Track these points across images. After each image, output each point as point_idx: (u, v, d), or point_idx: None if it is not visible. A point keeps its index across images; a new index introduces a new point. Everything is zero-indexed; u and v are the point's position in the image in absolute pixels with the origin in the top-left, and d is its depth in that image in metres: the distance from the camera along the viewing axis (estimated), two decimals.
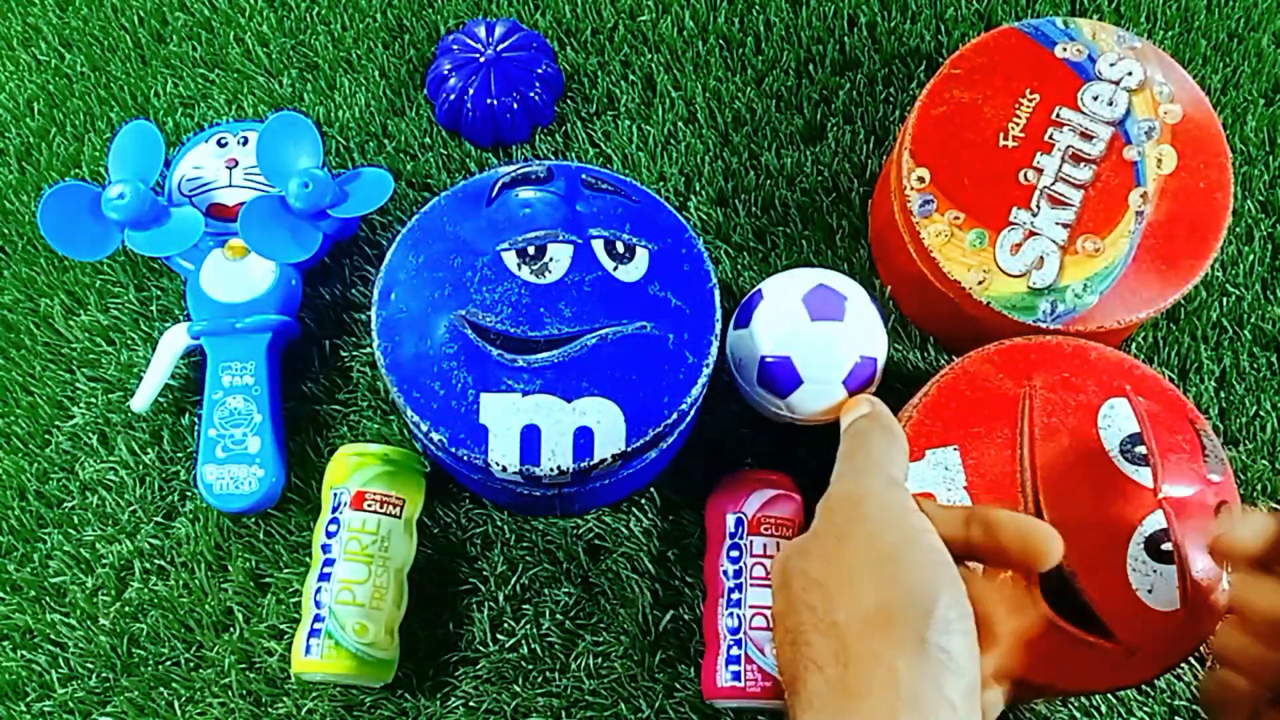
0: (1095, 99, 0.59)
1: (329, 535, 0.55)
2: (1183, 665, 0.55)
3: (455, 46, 0.67)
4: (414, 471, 0.57)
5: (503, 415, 0.50)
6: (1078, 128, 0.58)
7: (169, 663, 0.57)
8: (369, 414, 0.62)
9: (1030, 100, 0.59)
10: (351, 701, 0.56)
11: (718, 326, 0.53)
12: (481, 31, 0.67)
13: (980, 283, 0.56)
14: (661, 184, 0.67)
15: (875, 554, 0.37)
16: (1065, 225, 0.56)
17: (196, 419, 0.61)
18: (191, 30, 0.72)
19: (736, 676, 0.52)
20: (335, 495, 0.56)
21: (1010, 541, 0.39)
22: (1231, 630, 0.42)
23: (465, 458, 0.50)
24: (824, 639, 0.36)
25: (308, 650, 0.52)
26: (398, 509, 0.56)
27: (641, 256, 0.54)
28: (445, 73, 0.66)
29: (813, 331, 0.54)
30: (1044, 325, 0.55)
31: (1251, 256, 0.64)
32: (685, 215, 0.64)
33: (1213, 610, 0.48)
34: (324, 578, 0.54)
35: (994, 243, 0.56)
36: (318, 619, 0.53)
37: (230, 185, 0.64)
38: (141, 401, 0.59)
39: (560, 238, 0.54)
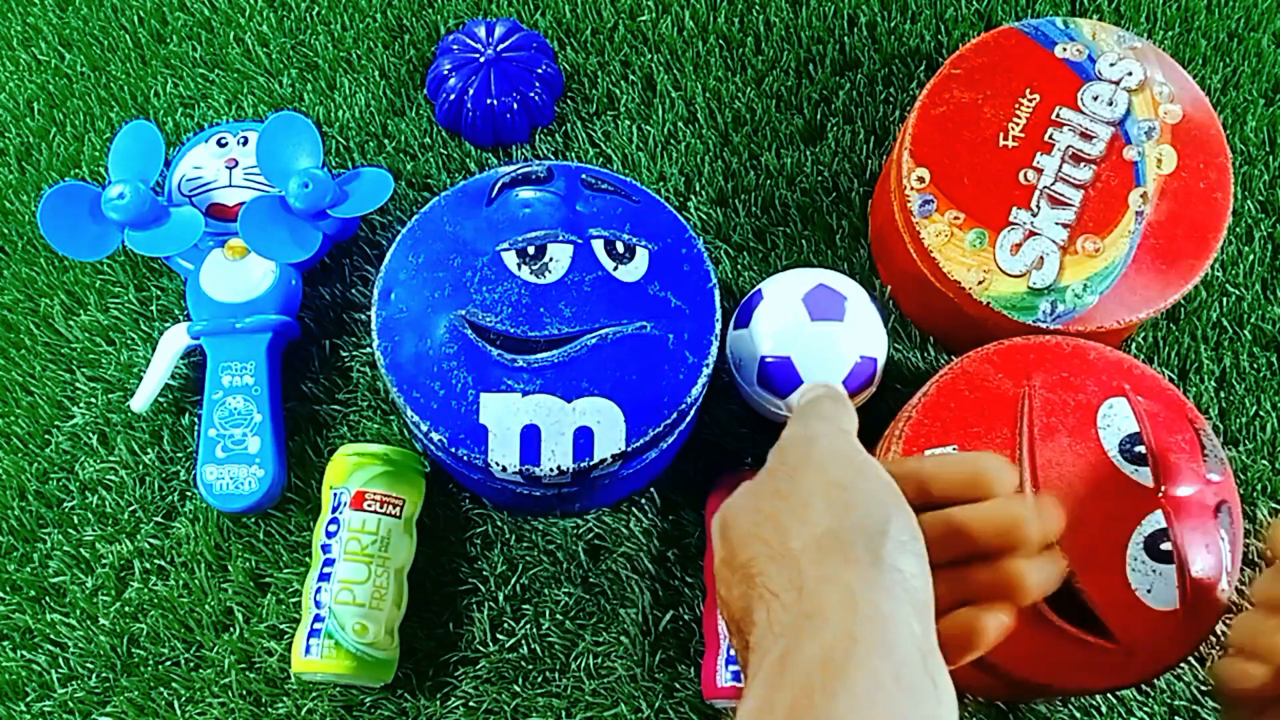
0: (1095, 99, 0.59)
1: (329, 535, 0.55)
2: (1182, 665, 0.55)
3: (455, 46, 0.67)
4: (414, 471, 0.57)
5: (503, 415, 0.50)
6: (1078, 128, 0.58)
7: (169, 663, 0.57)
8: (369, 414, 0.62)
9: (1030, 100, 0.59)
10: (351, 701, 0.56)
11: (718, 326, 0.53)
12: (481, 31, 0.67)
13: (980, 283, 0.56)
14: (661, 184, 0.67)
15: (826, 484, 0.37)
16: (1065, 225, 0.56)
17: (196, 419, 0.61)
18: (191, 30, 0.72)
19: (736, 676, 0.52)
20: (335, 495, 0.56)
21: (955, 474, 0.39)
22: (1252, 618, 0.43)
23: (465, 458, 0.50)
24: (778, 568, 0.36)
25: (308, 650, 0.52)
26: (398, 509, 0.56)
27: (641, 256, 0.54)
28: (445, 73, 0.66)
29: (813, 331, 0.54)
30: (1044, 325, 0.55)
31: (1251, 256, 0.64)
32: (685, 215, 0.64)
33: (1212, 610, 0.48)
34: (324, 578, 0.54)
35: (994, 243, 0.56)
36: (318, 619, 0.53)
37: (230, 185, 0.64)
38: (141, 401, 0.60)
39: (560, 238, 0.54)
